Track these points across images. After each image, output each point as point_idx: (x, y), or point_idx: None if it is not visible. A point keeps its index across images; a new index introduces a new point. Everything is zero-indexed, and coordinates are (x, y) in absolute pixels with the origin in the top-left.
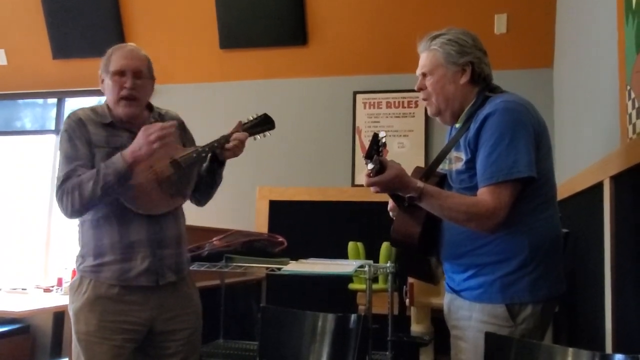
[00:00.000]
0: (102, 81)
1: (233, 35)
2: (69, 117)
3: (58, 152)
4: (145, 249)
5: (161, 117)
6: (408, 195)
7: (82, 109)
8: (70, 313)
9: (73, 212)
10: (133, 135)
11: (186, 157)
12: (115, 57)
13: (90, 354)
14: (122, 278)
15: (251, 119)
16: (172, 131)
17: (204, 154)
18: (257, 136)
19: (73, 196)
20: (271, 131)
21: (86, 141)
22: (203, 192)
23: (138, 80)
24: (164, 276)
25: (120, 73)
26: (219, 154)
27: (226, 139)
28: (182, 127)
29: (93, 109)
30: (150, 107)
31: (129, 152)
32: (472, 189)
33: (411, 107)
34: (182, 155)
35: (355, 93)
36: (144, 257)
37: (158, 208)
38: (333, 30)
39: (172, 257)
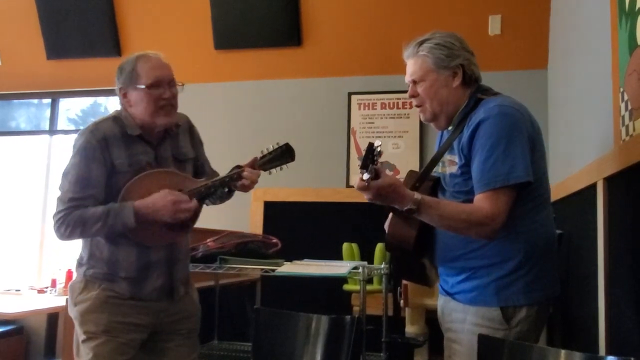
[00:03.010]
0: (125, 94)
1: (228, 36)
2: (92, 132)
3: (70, 160)
4: (161, 267)
5: (176, 125)
6: (406, 208)
7: (105, 122)
8: (74, 314)
9: (67, 239)
10: (150, 147)
11: (194, 192)
12: (144, 69)
13: (98, 351)
14: (135, 293)
15: (270, 150)
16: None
17: (212, 189)
18: (273, 170)
19: (74, 229)
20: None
21: (105, 165)
22: (210, 204)
23: (173, 88)
24: (178, 291)
25: (157, 85)
26: (230, 186)
27: (239, 175)
28: (190, 131)
29: (116, 120)
30: None
31: (142, 212)
32: (467, 193)
33: (406, 108)
34: (191, 189)
35: (349, 94)
36: (159, 275)
37: (158, 241)
38: (328, 31)
39: (183, 269)
